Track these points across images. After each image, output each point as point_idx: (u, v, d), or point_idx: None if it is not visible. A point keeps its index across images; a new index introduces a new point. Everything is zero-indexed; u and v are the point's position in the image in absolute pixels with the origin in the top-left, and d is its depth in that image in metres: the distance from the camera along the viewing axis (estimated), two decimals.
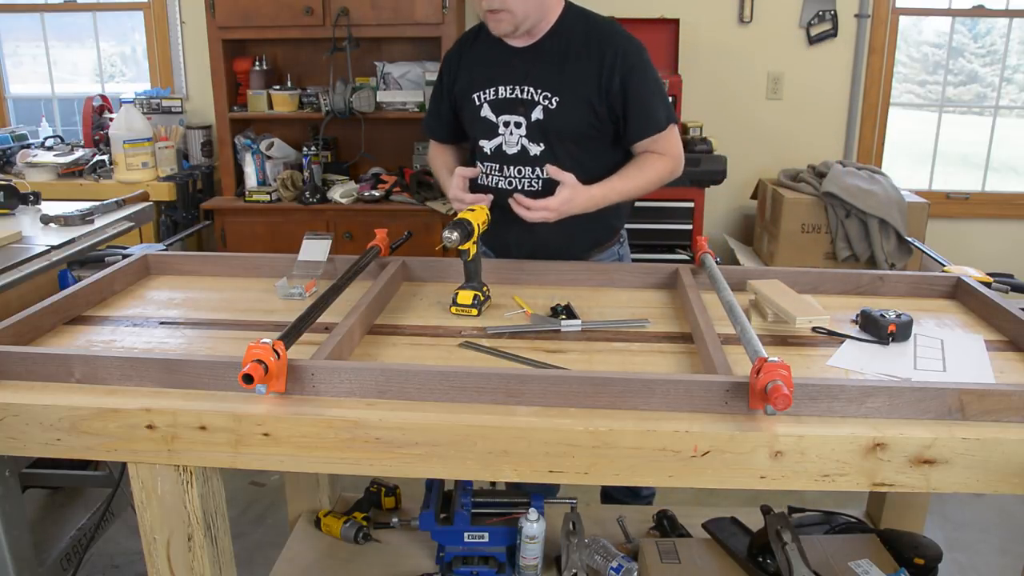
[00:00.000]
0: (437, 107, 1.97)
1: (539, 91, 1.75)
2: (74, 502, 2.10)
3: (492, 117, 1.79)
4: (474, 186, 1.87)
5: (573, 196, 1.68)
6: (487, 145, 1.82)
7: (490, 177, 1.85)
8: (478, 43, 1.86)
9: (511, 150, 1.79)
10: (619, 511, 2.08)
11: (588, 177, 1.74)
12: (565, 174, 1.68)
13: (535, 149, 1.77)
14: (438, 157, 2.02)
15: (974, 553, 2.41)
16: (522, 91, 1.76)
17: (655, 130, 1.77)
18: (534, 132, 1.77)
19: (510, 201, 1.70)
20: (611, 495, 2.29)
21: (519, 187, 1.81)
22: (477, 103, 1.81)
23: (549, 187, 1.73)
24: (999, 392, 1.15)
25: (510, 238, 1.86)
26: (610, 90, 1.73)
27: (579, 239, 1.88)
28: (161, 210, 3.48)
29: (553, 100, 1.74)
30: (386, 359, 1.38)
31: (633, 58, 1.76)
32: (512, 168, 1.80)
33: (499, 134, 1.79)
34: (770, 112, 3.82)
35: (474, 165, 1.89)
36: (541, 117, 1.75)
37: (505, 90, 1.77)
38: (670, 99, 1.91)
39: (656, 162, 1.79)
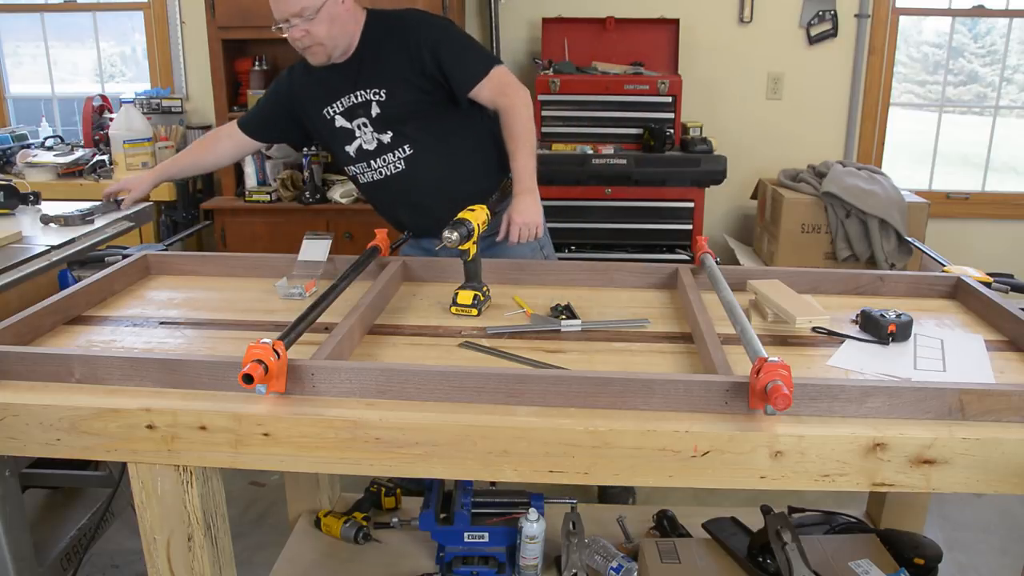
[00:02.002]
0: (260, 107, 2.20)
1: (369, 90, 1.97)
2: (74, 502, 2.09)
3: (348, 124, 2.00)
4: (359, 185, 2.13)
5: (520, 202, 1.88)
6: (351, 148, 2.03)
7: (365, 174, 2.06)
8: (309, 70, 2.03)
9: (369, 146, 2.02)
10: (619, 511, 2.08)
11: (445, 135, 2.01)
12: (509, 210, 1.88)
13: (386, 138, 2.00)
14: (203, 148, 2.25)
15: (974, 553, 2.41)
16: (357, 96, 1.98)
17: (476, 79, 1.93)
18: (378, 125, 1.99)
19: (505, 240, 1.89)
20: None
21: (389, 173, 2.03)
22: (329, 116, 2.02)
23: (411, 165, 2.00)
24: (999, 392, 1.15)
25: (403, 217, 2.13)
26: (424, 64, 1.92)
27: (460, 204, 1.90)
28: (161, 210, 3.48)
29: (381, 93, 1.96)
30: (386, 359, 1.38)
31: (435, 31, 1.95)
32: (377, 160, 2.03)
33: (356, 136, 2.00)
34: (770, 112, 3.82)
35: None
36: (379, 110, 1.97)
37: (346, 100, 1.99)
38: (488, 50, 2.19)
39: (513, 112, 1.93)
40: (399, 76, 1.95)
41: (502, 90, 1.94)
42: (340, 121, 2.01)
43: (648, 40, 3.62)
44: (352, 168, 2.08)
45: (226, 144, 2.22)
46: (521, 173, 1.92)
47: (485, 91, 1.93)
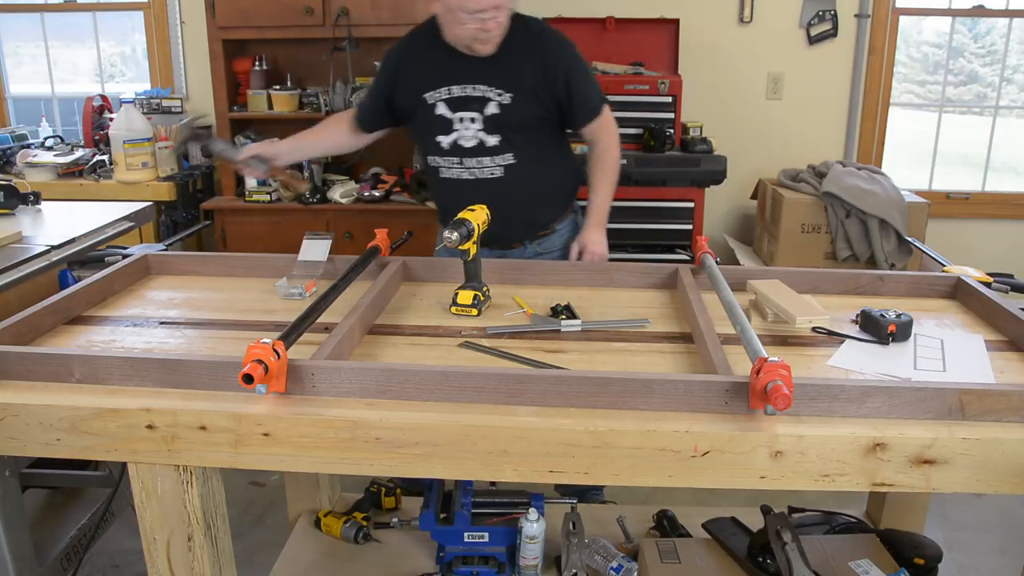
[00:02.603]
0: (374, 99, 2.09)
1: (492, 88, 1.91)
2: (74, 502, 2.09)
3: (448, 114, 1.94)
4: (436, 178, 2.05)
5: (595, 234, 1.99)
6: (444, 140, 1.97)
7: (451, 169, 2.01)
8: (420, 48, 1.98)
9: (468, 143, 1.95)
10: (619, 511, 2.08)
11: (540, 154, 2.01)
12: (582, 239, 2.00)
13: (492, 140, 1.94)
14: (319, 131, 2.16)
15: (974, 553, 2.41)
16: (476, 89, 1.92)
17: (594, 114, 2.01)
18: (490, 125, 1.94)
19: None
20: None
21: (482, 176, 1.98)
22: (430, 102, 1.95)
23: (510, 173, 1.95)
24: (999, 392, 1.15)
25: None
26: (556, 86, 1.93)
27: (536, 221, 2.09)
28: (161, 210, 3.48)
29: (506, 96, 1.91)
30: (386, 359, 1.38)
31: (570, 56, 1.97)
32: (472, 159, 1.97)
33: (455, 129, 1.94)
34: (770, 112, 3.81)
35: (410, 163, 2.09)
36: (497, 112, 1.92)
37: (458, 89, 1.92)
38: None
39: (609, 150, 2.05)
40: (528, 85, 1.92)
41: (606, 128, 2.04)
42: (441, 108, 1.94)
43: (648, 40, 3.62)
44: (437, 159, 2.01)
45: (347, 132, 2.14)
46: (601, 207, 2.03)
47: (594, 125, 2.01)
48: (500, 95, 1.91)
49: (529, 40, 1.93)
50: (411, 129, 2.09)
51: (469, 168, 1.98)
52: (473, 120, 1.92)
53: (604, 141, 2.04)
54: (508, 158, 1.96)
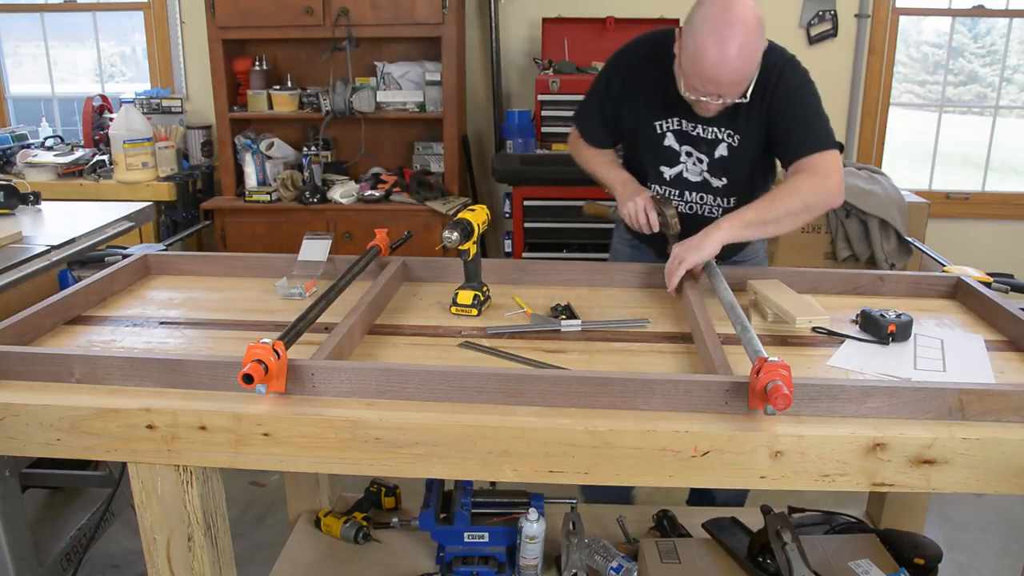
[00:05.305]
0: (602, 114, 1.86)
1: (723, 130, 1.76)
2: (74, 502, 2.10)
3: (676, 146, 1.81)
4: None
5: (694, 240, 1.63)
6: (668, 171, 1.83)
7: (672, 201, 1.82)
8: (655, 68, 1.75)
9: (693, 179, 1.82)
10: (619, 511, 2.08)
11: (755, 193, 1.76)
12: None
13: (718, 183, 1.81)
14: (600, 156, 1.91)
15: (974, 553, 2.41)
16: (705, 130, 1.77)
17: (808, 151, 1.70)
18: (716, 167, 1.80)
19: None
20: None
21: (700, 212, 1.85)
22: (660, 131, 1.79)
23: (722, 215, 1.72)
24: (999, 392, 1.15)
25: (659, 240, 1.85)
26: (773, 124, 1.72)
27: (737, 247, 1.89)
28: (161, 210, 3.49)
29: (735, 138, 1.77)
30: (386, 359, 1.38)
31: (795, 103, 1.72)
32: (694, 194, 1.84)
33: (681, 162, 1.82)
34: None
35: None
36: (725, 154, 1.78)
37: (688, 125, 1.77)
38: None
39: (799, 184, 1.69)
40: (755, 127, 1.74)
41: (814, 168, 1.71)
42: (670, 139, 1.80)
43: None
44: (657, 188, 1.85)
45: (602, 154, 1.94)
46: (738, 215, 1.67)
47: (797, 166, 1.72)
48: (731, 136, 1.76)
49: (762, 82, 1.67)
50: (630, 150, 1.89)
51: (689, 203, 1.85)
52: (700, 160, 1.80)
53: (797, 178, 1.71)
54: (731, 201, 1.82)
